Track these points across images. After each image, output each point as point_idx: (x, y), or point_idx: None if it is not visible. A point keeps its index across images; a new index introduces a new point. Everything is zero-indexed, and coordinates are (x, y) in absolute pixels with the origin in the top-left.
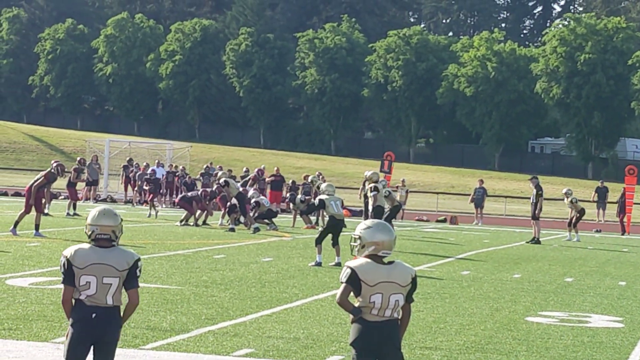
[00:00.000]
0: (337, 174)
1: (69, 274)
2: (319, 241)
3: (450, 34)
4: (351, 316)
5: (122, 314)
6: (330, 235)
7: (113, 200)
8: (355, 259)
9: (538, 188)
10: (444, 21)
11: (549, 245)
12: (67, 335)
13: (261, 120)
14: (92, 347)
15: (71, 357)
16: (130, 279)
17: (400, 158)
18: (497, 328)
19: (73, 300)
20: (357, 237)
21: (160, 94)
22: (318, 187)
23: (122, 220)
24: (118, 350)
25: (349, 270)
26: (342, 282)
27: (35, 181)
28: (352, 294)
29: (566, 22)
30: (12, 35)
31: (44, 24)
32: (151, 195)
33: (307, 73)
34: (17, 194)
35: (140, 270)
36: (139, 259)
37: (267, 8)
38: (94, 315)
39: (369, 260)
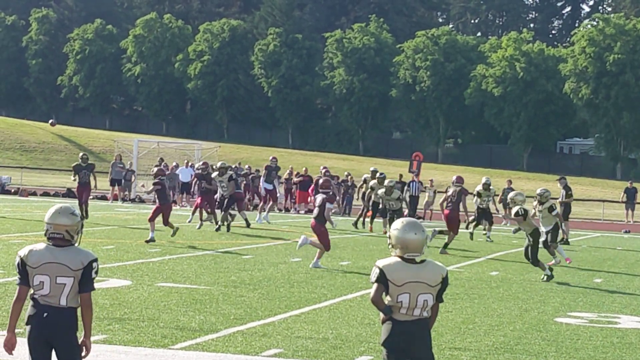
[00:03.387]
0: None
1: (24, 273)
2: (536, 261)
3: (479, 34)
4: (381, 316)
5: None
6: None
7: (142, 201)
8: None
9: (567, 189)
10: (472, 21)
11: (578, 246)
12: (27, 336)
13: (289, 120)
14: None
15: (33, 356)
16: (85, 281)
17: (428, 158)
18: (526, 329)
19: (31, 301)
20: (389, 236)
21: (188, 94)
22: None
23: (81, 219)
24: (147, 350)
25: (377, 270)
26: (372, 282)
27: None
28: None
29: (595, 23)
30: (41, 35)
31: (72, 24)
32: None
33: (335, 73)
34: (45, 194)
35: (96, 272)
36: (94, 260)
37: (296, 8)
38: (45, 314)
39: (398, 259)
